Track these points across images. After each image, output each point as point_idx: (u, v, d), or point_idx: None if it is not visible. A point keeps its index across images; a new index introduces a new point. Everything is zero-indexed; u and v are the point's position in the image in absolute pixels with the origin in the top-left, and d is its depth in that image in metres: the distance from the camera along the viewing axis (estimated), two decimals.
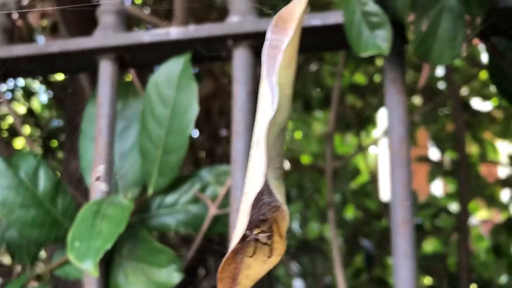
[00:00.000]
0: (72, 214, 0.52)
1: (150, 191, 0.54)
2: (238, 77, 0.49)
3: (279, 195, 0.24)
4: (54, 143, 1.72)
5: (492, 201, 1.88)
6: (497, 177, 2.04)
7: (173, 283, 0.47)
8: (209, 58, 0.52)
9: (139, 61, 0.55)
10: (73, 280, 0.62)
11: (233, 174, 0.48)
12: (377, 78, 1.82)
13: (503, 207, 1.88)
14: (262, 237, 0.25)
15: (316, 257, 1.77)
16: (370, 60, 1.79)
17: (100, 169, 0.42)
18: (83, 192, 0.60)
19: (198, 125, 1.73)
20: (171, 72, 0.52)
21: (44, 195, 0.52)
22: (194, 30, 0.50)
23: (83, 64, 0.55)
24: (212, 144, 1.70)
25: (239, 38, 0.49)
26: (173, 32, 0.50)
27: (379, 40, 0.43)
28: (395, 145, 0.45)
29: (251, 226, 0.25)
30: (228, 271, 0.25)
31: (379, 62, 1.82)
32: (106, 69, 0.53)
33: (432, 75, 1.64)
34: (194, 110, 0.51)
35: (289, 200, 1.81)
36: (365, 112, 1.88)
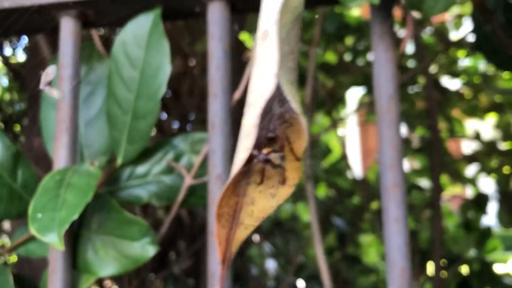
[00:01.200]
0: (34, 188, 0.48)
1: (119, 160, 0.50)
2: (214, 32, 0.45)
3: (295, 103, 0.19)
4: (17, 127, 1.66)
5: (458, 177, 1.90)
6: (462, 153, 2.07)
7: (147, 257, 0.43)
8: (182, 14, 0.48)
9: (104, 18, 0.50)
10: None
11: (211, 139, 0.45)
12: (347, 57, 1.80)
13: (469, 182, 1.90)
14: (274, 157, 0.20)
15: (289, 237, 1.75)
16: (340, 38, 1.76)
17: (52, 70, 0.38)
18: (47, 169, 0.56)
19: (166, 106, 1.68)
20: (139, 29, 0.48)
21: (1, 167, 0.47)
22: None
23: (42, 22, 0.50)
24: (181, 126, 1.66)
25: None
26: None
27: None
28: (384, 104, 0.43)
29: (258, 145, 0.20)
30: (227, 206, 0.20)
31: (348, 41, 1.80)
32: (67, 27, 0.48)
33: (402, 53, 1.63)
34: (165, 70, 0.47)
35: None
36: (336, 91, 1.87)
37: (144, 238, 0.43)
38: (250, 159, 0.19)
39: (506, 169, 1.80)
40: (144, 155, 0.51)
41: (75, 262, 0.45)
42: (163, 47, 0.47)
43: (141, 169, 0.51)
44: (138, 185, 0.51)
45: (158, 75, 0.47)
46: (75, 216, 0.39)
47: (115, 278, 1.24)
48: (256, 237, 1.70)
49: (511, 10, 0.53)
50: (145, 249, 0.43)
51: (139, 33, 0.48)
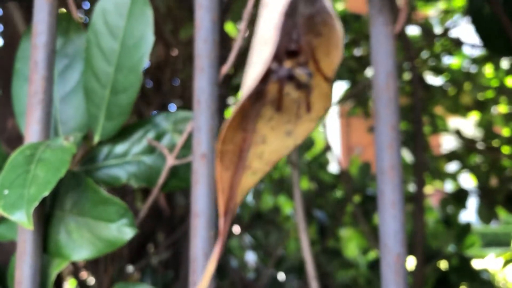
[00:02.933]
0: (2, 165, 0.44)
1: (97, 137, 0.46)
2: (202, 3, 0.42)
3: (328, 1, 0.14)
4: None
5: (438, 173, 1.90)
6: (442, 149, 2.07)
7: (124, 240, 0.40)
8: None
9: None
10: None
11: (196, 115, 0.41)
12: None
13: (450, 177, 1.90)
14: (300, 73, 0.15)
15: (269, 229, 1.73)
16: None
17: None
18: None
19: (147, 96, 1.64)
20: None
21: None
22: None
23: None
24: None
25: None
26: None
27: None
28: (382, 82, 0.40)
29: (277, 57, 0.15)
30: (232, 142, 0.16)
31: None
32: None
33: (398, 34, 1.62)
34: (148, 41, 0.44)
35: None
36: None
37: (122, 219, 0.40)
38: (266, 77, 0.14)
39: (485, 167, 1.80)
40: (123, 133, 0.48)
41: (46, 245, 0.42)
42: (146, 16, 0.44)
43: (119, 148, 0.48)
44: (116, 165, 0.47)
45: (140, 45, 0.44)
46: (46, 193, 0.35)
47: (91, 268, 1.20)
48: (236, 229, 1.68)
49: None
50: (122, 231, 0.40)
51: (121, 1, 0.44)
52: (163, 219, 1.51)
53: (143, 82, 1.49)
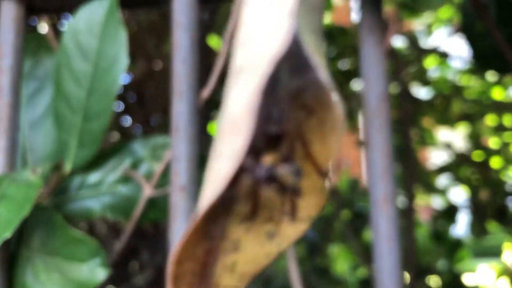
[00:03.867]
0: None
1: (68, 167, 0.43)
2: (180, 21, 0.39)
3: (323, 70, 0.10)
4: None
5: (429, 187, 1.89)
6: (430, 163, 2.06)
7: (97, 281, 0.36)
8: (142, 0, 0.42)
9: (52, 4, 0.44)
10: None
11: (174, 144, 0.38)
12: None
13: (439, 192, 1.89)
14: (285, 172, 0.10)
15: None
16: None
17: None
18: None
19: (130, 110, 1.60)
20: (93, 16, 0.41)
21: None
22: None
23: None
24: (145, 132, 1.58)
25: None
26: None
27: None
28: (373, 104, 0.37)
29: (252, 148, 0.11)
30: (192, 259, 0.12)
31: None
32: (8, 12, 0.41)
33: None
34: (122, 63, 0.41)
35: None
36: None
37: (94, 259, 0.36)
38: (238, 175, 0.10)
39: (476, 180, 1.79)
40: (97, 162, 0.45)
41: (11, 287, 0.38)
42: (119, 36, 0.41)
43: (93, 177, 0.45)
44: (90, 196, 0.44)
45: (113, 67, 0.40)
46: (8, 234, 0.32)
47: None
48: None
49: (504, 6, 0.49)
50: (95, 272, 0.36)
51: (93, 20, 0.41)
52: (147, 237, 1.46)
53: (126, 96, 1.45)
